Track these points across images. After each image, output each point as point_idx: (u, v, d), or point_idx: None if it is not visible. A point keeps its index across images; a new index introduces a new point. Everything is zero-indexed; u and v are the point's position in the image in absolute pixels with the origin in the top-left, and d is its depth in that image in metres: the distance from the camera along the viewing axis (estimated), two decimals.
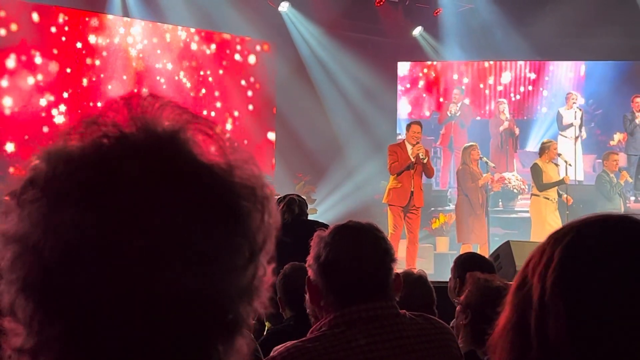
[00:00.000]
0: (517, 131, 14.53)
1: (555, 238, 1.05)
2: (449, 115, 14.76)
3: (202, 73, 13.76)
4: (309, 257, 2.13)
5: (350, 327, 2.03)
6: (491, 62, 15.49)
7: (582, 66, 15.11)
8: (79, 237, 0.71)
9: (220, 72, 13.96)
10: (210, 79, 13.90)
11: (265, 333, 4.64)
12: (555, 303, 0.97)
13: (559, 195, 10.58)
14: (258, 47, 14.45)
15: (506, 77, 15.55)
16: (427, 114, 15.58)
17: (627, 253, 1.00)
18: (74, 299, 0.72)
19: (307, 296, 2.17)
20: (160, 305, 0.72)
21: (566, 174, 10.62)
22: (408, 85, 15.78)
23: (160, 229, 0.71)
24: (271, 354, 3.13)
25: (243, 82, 14.27)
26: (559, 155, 10.80)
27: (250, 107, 14.36)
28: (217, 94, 13.95)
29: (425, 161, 9.71)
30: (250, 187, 0.78)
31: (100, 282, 0.71)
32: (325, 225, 5.91)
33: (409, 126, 10.05)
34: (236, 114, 14.13)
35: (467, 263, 4.32)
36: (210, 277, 0.74)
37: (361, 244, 2.10)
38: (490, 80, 15.60)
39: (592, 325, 0.95)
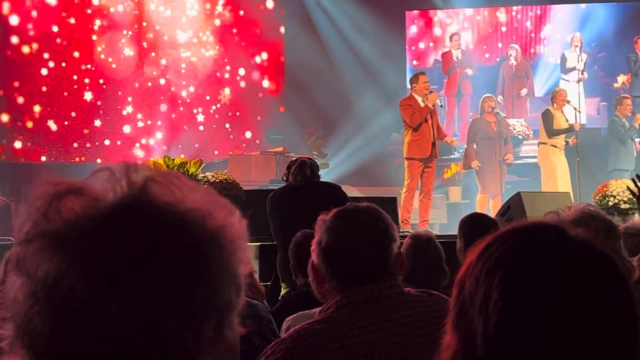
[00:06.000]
0: (529, 73, 14.39)
1: (488, 267, 1.04)
2: (455, 61, 14.60)
3: (209, 27, 13.74)
4: (313, 241, 2.19)
5: (356, 308, 2.11)
6: (497, 7, 15.31)
7: (585, 8, 14.90)
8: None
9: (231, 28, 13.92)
10: (209, 37, 13.85)
11: (280, 298, 4.74)
12: (501, 338, 1.01)
13: (566, 143, 10.52)
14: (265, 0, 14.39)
15: (510, 22, 15.37)
16: (436, 63, 15.45)
17: (566, 284, 1.01)
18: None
19: (310, 277, 2.25)
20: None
21: (576, 121, 10.55)
22: (416, 35, 15.64)
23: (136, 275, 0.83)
24: (282, 325, 3.24)
25: (254, 31, 14.24)
26: (568, 102, 10.70)
27: (259, 61, 14.33)
28: (224, 50, 13.93)
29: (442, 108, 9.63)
30: (214, 230, 0.87)
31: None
32: (336, 187, 5.99)
33: (416, 78, 9.79)
34: (244, 70, 14.12)
35: (468, 223, 4.63)
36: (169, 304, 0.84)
37: (360, 228, 2.15)
38: (497, 26, 15.43)
39: (542, 355, 1.00)
